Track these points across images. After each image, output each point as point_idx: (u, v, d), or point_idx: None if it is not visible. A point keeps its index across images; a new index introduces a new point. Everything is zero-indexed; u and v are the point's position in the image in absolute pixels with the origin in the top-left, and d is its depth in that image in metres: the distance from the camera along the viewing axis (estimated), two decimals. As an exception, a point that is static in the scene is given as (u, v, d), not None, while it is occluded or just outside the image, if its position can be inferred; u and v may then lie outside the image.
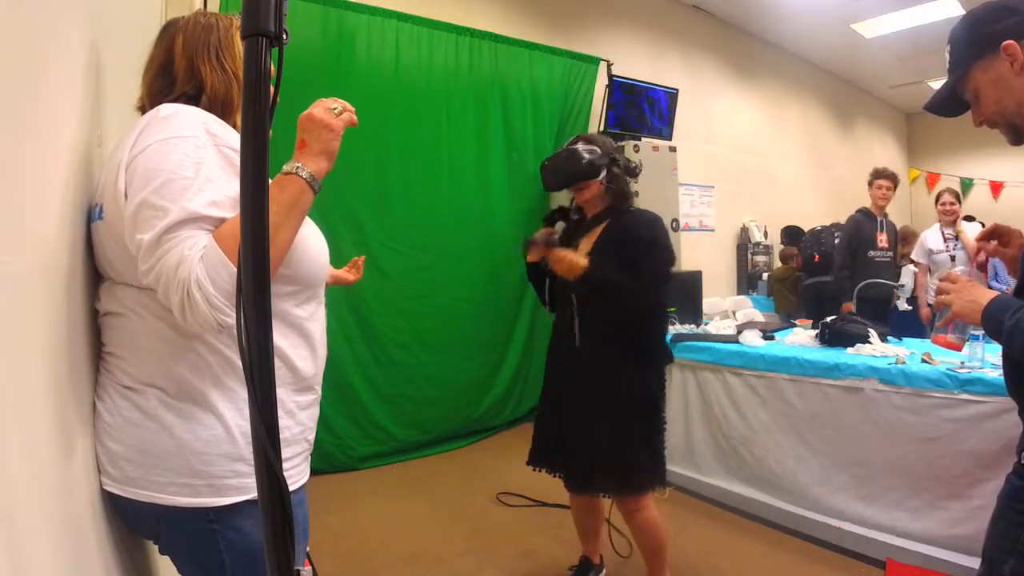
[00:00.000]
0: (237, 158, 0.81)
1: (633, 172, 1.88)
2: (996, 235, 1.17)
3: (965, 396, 2.04)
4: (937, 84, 8.02)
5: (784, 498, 2.54)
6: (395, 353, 3.43)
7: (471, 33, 3.74)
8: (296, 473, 0.96)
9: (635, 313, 1.76)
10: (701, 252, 5.33)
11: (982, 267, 1.41)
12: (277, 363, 0.84)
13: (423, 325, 3.54)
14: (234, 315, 0.72)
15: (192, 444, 0.85)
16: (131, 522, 0.92)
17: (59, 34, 0.82)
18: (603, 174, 1.81)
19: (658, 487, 1.79)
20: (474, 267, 3.76)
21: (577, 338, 1.80)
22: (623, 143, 4.10)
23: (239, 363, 0.70)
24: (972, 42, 1.03)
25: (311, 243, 0.96)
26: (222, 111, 0.96)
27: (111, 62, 1.08)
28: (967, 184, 8.56)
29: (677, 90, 4.76)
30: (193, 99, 0.94)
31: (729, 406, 2.74)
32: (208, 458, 0.86)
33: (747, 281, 5.94)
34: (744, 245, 6.01)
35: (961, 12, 5.21)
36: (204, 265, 0.76)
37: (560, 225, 2.00)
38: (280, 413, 0.82)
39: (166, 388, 0.86)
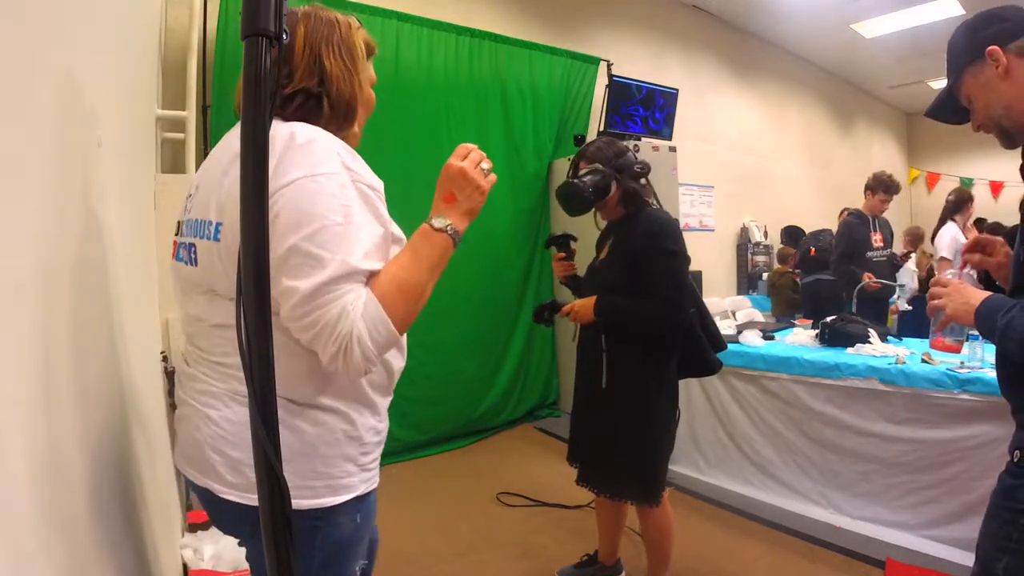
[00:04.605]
0: (373, 195, 0.85)
1: (643, 173, 1.85)
2: (980, 246, 1.19)
3: (965, 396, 2.05)
4: (937, 84, 8.04)
5: (784, 498, 2.55)
6: (395, 353, 3.43)
7: (471, 33, 3.75)
8: (376, 475, 0.98)
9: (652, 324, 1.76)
10: (701, 252, 5.32)
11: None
12: (379, 369, 0.89)
13: (422, 325, 3.51)
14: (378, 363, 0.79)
15: (318, 448, 0.85)
16: (229, 525, 0.93)
17: (59, 34, 0.82)
18: (613, 190, 1.81)
19: (654, 502, 1.78)
20: (474, 266, 3.75)
21: (603, 341, 1.82)
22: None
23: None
24: (964, 49, 1.07)
25: None
26: (345, 115, 0.92)
27: (111, 62, 1.09)
28: (967, 184, 8.55)
29: (677, 90, 4.75)
30: (314, 98, 0.89)
31: (729, 406, 2.74)
32: (330, 460, 0.86)
33: (747, 281, 5.94)
34: (744, 245, 6.02)
35: (961, 12, 5.21)
36: (365, 322, 0.77)
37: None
38: (379, 418, 0.95)
39: (292, 398, 0.84)
